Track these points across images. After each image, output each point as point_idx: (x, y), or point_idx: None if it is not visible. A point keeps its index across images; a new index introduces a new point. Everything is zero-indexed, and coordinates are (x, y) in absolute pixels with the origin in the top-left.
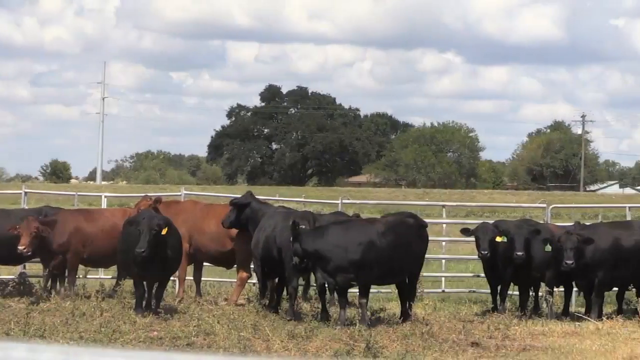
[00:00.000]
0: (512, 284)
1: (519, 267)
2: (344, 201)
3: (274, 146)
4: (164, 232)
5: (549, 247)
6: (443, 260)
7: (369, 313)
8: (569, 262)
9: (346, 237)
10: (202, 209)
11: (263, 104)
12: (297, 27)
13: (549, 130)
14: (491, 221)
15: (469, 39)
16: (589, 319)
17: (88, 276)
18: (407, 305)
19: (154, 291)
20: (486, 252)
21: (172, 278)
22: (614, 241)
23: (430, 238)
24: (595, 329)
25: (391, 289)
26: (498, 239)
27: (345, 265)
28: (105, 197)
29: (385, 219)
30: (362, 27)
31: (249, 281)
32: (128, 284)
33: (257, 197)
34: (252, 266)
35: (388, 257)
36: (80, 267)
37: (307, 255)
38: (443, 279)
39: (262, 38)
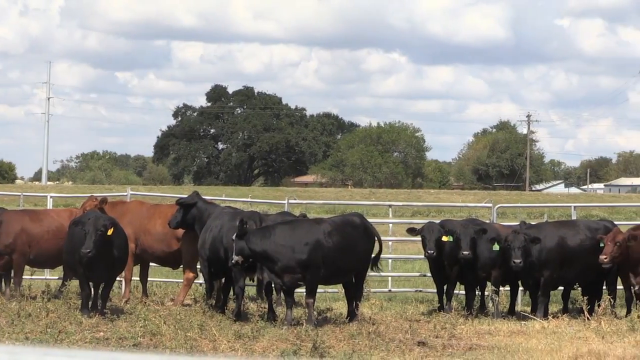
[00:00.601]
0: (458, 283)
1: (465, 267)
2: (290, 201)
3: (221, 146)
4: (109, 232)
5: (497, 246)
6: (389, 260)
7: (315, 313)
8: (517, 261)
9: (293, 237)
10: (148, 210)
11: (209, 104)
12: (242, 27)
13: (494, 130)
14: (437, 221)
15: (415, 39)
16: (534, 318)
17: (34, 277)
18: (354, 304)
19: (100, 292)
20: (432, 251)
21: (118, 278)
22: (559, 240)
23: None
24: (541, 327)
25: (338, 289)
26: (444, 238)
27: (292, 265)
28: (51, 197)
29: (332, 219)
30: (308, 27)
31: (195, 281)
32: (74, 284)
33: (203, 197)
34: (198, 266)
35: (335, 257)
36: (26, 267)
37: (254, 255)
38: (390, 278)
39: (208, 38)
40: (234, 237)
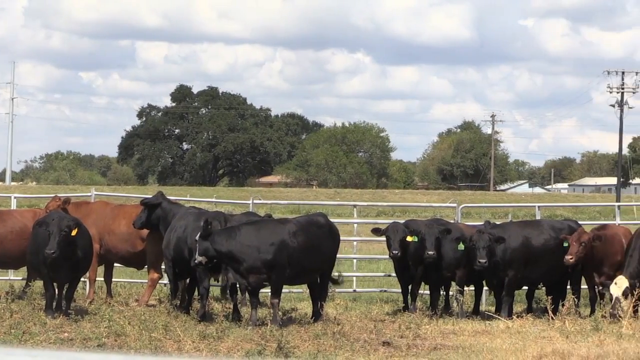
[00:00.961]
0: (423, 283)
1: (430, 267)
2: (255, 201)
3: (185, 146)
4: (73, 233)
5: (462, 246)
6: (354, 260)
7: (280, 313)
8: (482, 260)
9: (258, 237)
10: (113, 210)
11: (174, 104)
12: (207, 27)
13: (459, 130)
14: (402, 221)
15: (379, 39)
16: (499, 317)
17: None
18: (319, 305)
19: (64, 292)
20: (397, 251)
21: (82, 279)
22: (524, 240)
23: (341, 238)
24: (505, 327)
25: (303, 289)
26: (409, 238)
27: (258, 266)
28: (14, 197)
29: (297, 219)
30: (272, 28)
31: (160, 282)
32: (38, 285)
33: (168, 197)
34: (163, 267)
35: (300, 257)
36: None
37: (220, 255)
38: (354, 278)
39: (172, 38)
40: (197, 237)
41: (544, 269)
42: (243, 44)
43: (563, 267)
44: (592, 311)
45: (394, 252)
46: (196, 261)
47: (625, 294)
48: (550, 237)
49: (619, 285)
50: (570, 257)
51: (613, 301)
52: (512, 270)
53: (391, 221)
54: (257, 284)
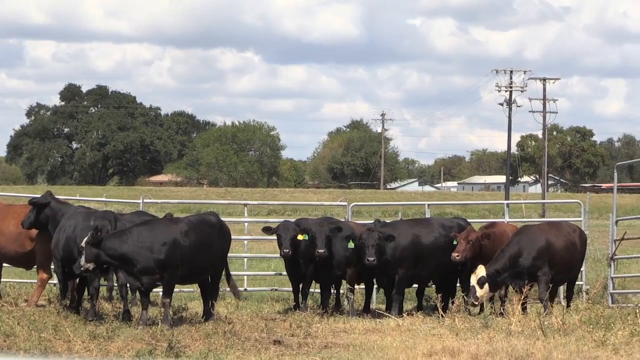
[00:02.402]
0: (313, 281)
1: (321, 265)
2: (145, 201)
3: (75, 145)
4: None
5: (352, 244)
6: (245, 259)
7: (171, 312)
8: (371, 259)
9: (150, 237)
10: (1, 210)
11: (63, 103)
12: (95, 25)
13: (349, 129)
14: (293, 219)
15: (268, 38)
16: (389, 315)
17: None
18: (210, 304)
19: None
20: (288, 250)
21: None
22: (413, 238)
23: (232, 237)
24: (395, 325)
25: (194, 288)
26: (300, 237)
27: (151, 266)
28: None
29: (188, 218)
30: (160, 26)
31: (49, 282)
32: None
33: (57, 197)
34: (52, 267)
35: (192, 256)
36: None
37: (112, 259)
38: (245, 277)
39: (60, 36)
40: (83, 243)
41: (433, 267)
42: (131, 42)
43: (453, 265)
44: (482, 309)
45: (284, 250)
46: (82, 268)
47: (480, 282)
48: (440, 235)
49: (477, 273)
50: (457, 254)
51: (470, 289)
52: (402, 269)
53: (282, 220)
54: (150, 285)
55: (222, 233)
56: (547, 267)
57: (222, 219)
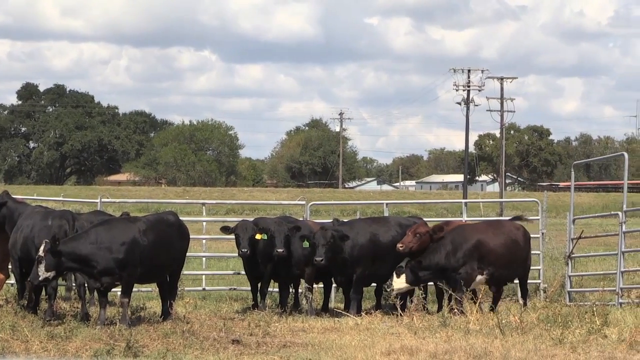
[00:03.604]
0: (272, 280)
1: (279, 264)
2: (103, 200)
3: (32, 145)
4: None
5: (307, 244)
6: (203, 258)
7: (129, 312)
8: (319, 258)
9: (109, 237)
10: None
11: (20, 102)
12: (51, 24)
13: (307, 128)
14: (251, 219)
15: (225, 37)
16: (348, 314)
17: None
18: (168, 303)
19: None
20: (246, 249)
21: None
22: (371, 237)
23: (190, 236)
24: (354, 324)
25: (152, 288)
26: (258, 236)
27: (111, 266)
28: None
29: (146, 217)
30: (117, 25)
31: (7, 282)
32: None
33: (14, 196)
34: (10, 267)
35: (151, 256)
36: None
37: (73, 263)
38: (204, 276)
39: (15, 35)
40: (41, 252)
41: (391, 265)
42: (88, 41)
43: None
44: (440, 307)
45: (243, 250)
46: (40, 278)
47: (397, 272)
48: (398, 234)
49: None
50: (401, 245)
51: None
52: (360, 267)
53: (240, 219)
54: (109, 285)
55: (180, 232)
56: (474, 265)
57: (181, 218)
